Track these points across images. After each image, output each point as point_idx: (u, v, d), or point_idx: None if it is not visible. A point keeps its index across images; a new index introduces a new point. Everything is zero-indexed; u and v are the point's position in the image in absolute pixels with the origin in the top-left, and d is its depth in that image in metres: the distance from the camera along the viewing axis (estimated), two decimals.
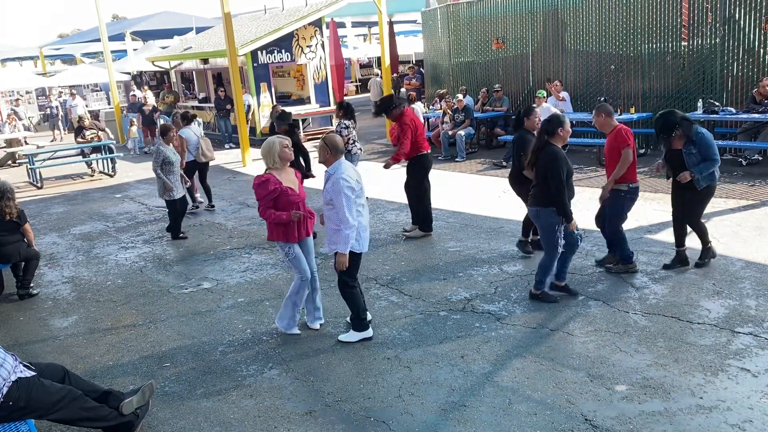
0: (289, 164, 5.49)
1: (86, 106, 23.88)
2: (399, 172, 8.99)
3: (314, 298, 5.71)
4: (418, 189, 8.13)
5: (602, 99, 12.02)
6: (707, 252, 6.40)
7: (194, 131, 10.32)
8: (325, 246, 5.36)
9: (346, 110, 9.58)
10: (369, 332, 5.45)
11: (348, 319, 5.64)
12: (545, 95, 12.67)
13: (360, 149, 9.98)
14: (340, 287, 5.40)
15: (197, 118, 11.07)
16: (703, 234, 6.37)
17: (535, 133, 7.07)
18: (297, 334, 5.61)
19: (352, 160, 9.51)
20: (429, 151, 8.15)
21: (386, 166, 8.41)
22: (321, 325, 5.76)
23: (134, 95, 21.23)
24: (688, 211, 6.32)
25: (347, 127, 9.50)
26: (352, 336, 5.43)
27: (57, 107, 25.01)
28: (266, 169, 5.37)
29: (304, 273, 5.46)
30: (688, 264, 6.39)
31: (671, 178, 6.35)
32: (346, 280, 5.33)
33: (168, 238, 9.15)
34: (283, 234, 5.37)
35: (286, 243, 5.39)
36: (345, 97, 23.92)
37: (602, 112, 6.34)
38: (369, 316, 5.59)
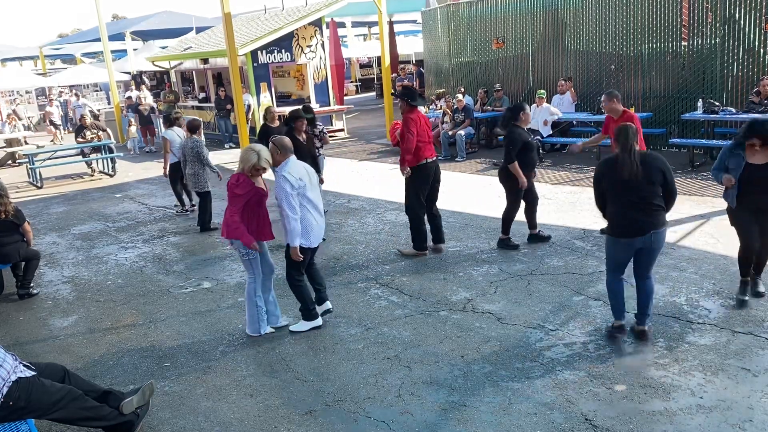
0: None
1: (86, 105, 23.89)
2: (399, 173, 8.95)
3: (270, 297, 5.80)
4: (410, 201, 7.39)
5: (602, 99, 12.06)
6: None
7: (177, 133, 10.29)
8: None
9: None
10: (318, 321, 5.67)
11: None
12: (545, 95, 12.68)
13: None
14: (288, 280, 5.59)
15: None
16: None
17: (526, 128, 7.21)
18: (271, 332, 5.68)
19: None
20: (433, 158, 7.33)
21: (405, 174, 7.40)
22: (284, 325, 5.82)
23: (129, 97, 21.25)
24: None
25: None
26: (303, 326, 5.65)
27: (57, 107, 25.00)
28: (239, 171, 5.46)
29: (258, 274, 5.58)
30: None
31: (738, 202, 5.36)
32: (293, 273, 5.54)
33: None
34: (252, 233, 5.43)
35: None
36: (345, 97, 23.93)
37: (614, 97, 7.09)
38: (329, 305, 5.83)
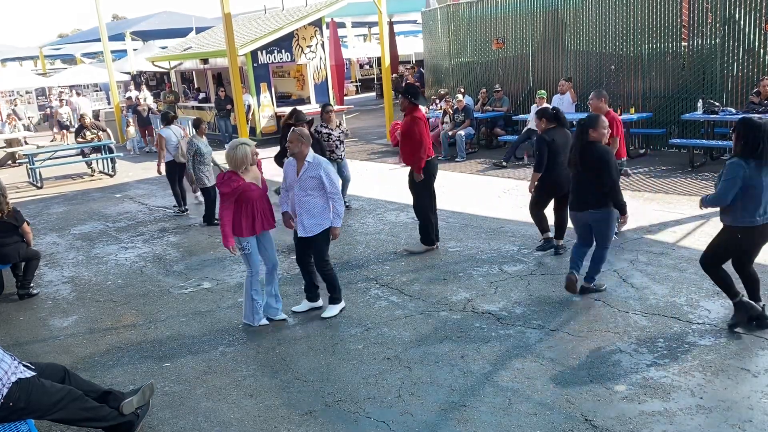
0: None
1: (78, 108, 23.83)
2: (401, 172, 8.96)
3: (272, 290, 5.94)
4: (422, 201, 7.39)
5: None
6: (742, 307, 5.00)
7: (174, 131, 10.39)
8: (300, 232, 5.72)
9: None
10: (343, 303, 6.02)
11: (302, 305, 6.12)
12: (545, 95, 12.66)
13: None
14: (320, 266, 5.79)
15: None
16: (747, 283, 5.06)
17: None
18: (266, 324, 5.83)
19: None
20: (433, 156, 7.35)
21: (417, 179, 7.29)
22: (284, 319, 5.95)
23: (129, 98, 21.24)
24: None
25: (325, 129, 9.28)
26: (334, 310, 5.92)
27: (66, 107, 24.92)
28: (228, 170, 5.56)
29: (255, 268, 5.71)
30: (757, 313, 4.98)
31: None
32: (326, 258, 5.78)
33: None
34: (243, 229, 5.55)
35: (244, 237, 5.57)
36: (345, 97, 23.94)
37: (602, 96, 7.36)
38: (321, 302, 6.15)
